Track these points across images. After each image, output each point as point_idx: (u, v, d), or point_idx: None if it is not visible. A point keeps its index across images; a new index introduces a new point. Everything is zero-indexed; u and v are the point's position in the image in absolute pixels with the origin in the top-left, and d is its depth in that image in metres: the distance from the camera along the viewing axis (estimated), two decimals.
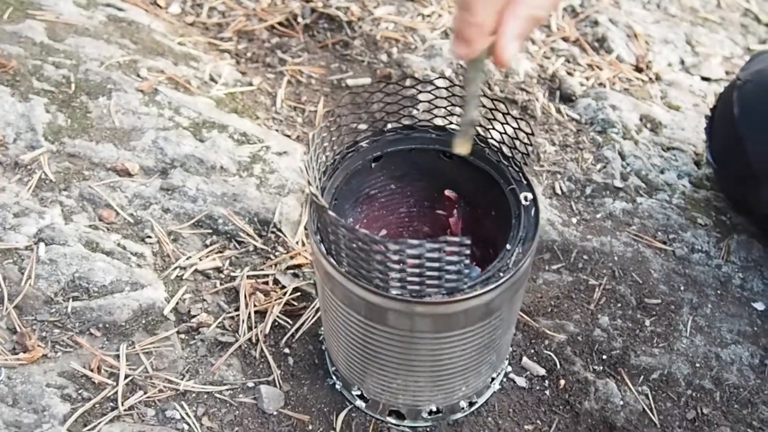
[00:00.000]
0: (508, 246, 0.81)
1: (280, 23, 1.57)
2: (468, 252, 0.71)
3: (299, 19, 1.57)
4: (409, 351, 0.84)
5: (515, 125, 0.83)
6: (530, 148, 0.82)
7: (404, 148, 0.92)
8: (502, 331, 0.88)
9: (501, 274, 0.78)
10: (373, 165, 0.92)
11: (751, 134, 1.12)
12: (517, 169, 0.86)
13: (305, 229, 1.17)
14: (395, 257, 0.71)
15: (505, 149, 0.87)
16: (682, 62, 1.65)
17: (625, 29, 1.66)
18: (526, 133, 0.82)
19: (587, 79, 1.51)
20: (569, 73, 1.51)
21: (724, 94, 1.21)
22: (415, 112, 0.91)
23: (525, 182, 0.86)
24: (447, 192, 0.98)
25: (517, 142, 0.84)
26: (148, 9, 1.55)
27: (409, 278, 0.74)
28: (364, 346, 0.86)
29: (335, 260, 0.79)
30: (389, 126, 0.91)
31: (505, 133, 0.85)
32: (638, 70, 1.57)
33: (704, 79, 1.62)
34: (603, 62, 1.56)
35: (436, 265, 0.72)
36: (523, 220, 0.83)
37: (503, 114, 0.83)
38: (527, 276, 0.85)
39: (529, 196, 0.84)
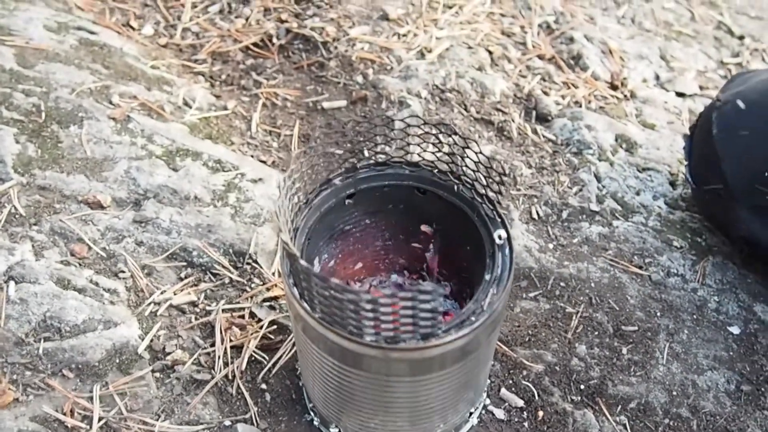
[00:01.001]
0: (482, 287, 0.81)
1: (255, 44, 1.56)
2: (442, 299, 0.71)
3: (274, 40, 1.55)
4: (386, 394, 0.83)
5: (487, 164, 0.82)
6: (503, 188, 0.82)
7: (378, 184, 0.91)
8: (478, 369, 0.87)
9: (475, 318, 0.78)
10: (347, 202, 0.92)
11: (730, 155, 1.13)
12: (490, 206, 0.86)
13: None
14: (368, 306, 0.71)
15: (479, 184, 0.87)
16: (657, 77, 1.65)
17: (600, 45, 1.66)
18: (499, 173, 0.81)
19: (563, 97, 1.51)
20: (545, 92, 1.51)
21: (703, 115, 1.21)
22: (388, 149, 0.90)
23: (499, 220, 0.85)
24: (423, 227, 0.97)
25: (490, 181, 0.83)
26: (120, 31, 1.54)
27: (383, 325, 0.73)
28: (339, 387, 0.85)
29: (309, 305, 0.78)
30: (362, 162, 0.91)
31: (479, 171, 0.84)
32: (613, 87, 1.57)
33: (679, 94, 1.62)
34: (578, 80, 1.56)
35: (410, 312, 0.72)
36: (497, 259, 0.83)
37: (476, 153, 0.83)
38: (503, 315, 0.85)
39: (503, 234, 0.84)
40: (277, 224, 1.19)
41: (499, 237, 0.84)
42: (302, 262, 0.71)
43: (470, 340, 0.78)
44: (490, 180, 0.83)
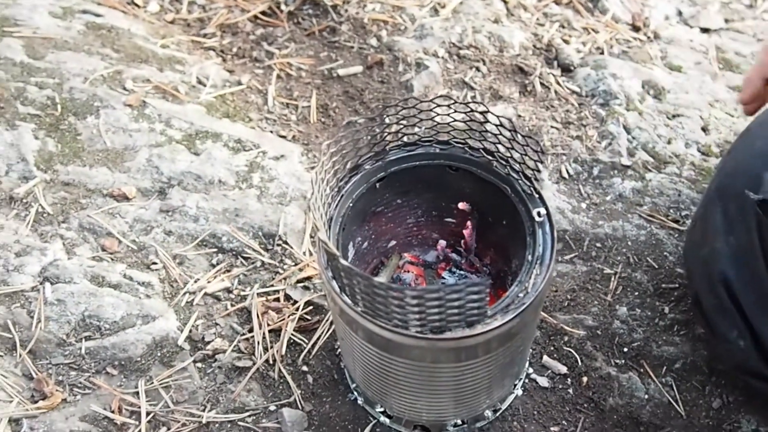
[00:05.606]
0: (524, 267, 0.79)
1: (263, 12, 1.52)
2: (488, 290, 0.69)
3: (282, 7, 1.51)
4: (431, 379, 0.82)
5: (523, 142, 0.80)
6: (541, 166, 0.79)
7: (409, 165, 0.89)
8: (524, 347, 0.87)
9: (521, 300, 0.77)
10: (377, 185, 0.90)
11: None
12: (527, 183, 0.83)
13: (311, 237, 1.15)
14: (414, 302, 0.70)
15: (513, 160, 0.84)
16: (680, 13, 1.59)
17: None
18: (535, 151, 0.79)
19: (584, 44, 1.46)
20: (565, 41, 1.46)
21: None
22: (417, 129, 0.88)
23: (537, 196, 0.83)
24: (461, 205, 0.95)
25: (527, 157, 0.81)
26: (126, 10, 1.50)
27: (429, 318, 0.72)
28: (383, 373, 0.85)
29: (350, 299, 0.77)
30: (392, 144, 0.88)
31: (513, 148, 0.82)
32: (635, 29, 1.52)
33: (704, 30, 1.57)
34: (599, 24, 1.51)
35: (456, 304, 0.71)
36: (538, 238, 0.81)
37: (509, 130, 0.80)
38: (546, 293, 0.83)
39: (543, 211, 0.82)
40: (303, 205, 1.18)
41: (539, 214, 0.82)
42: (342, 261, 0.70)
43: (516, 323, 0.77)
44: (527, 156, 0.81)
